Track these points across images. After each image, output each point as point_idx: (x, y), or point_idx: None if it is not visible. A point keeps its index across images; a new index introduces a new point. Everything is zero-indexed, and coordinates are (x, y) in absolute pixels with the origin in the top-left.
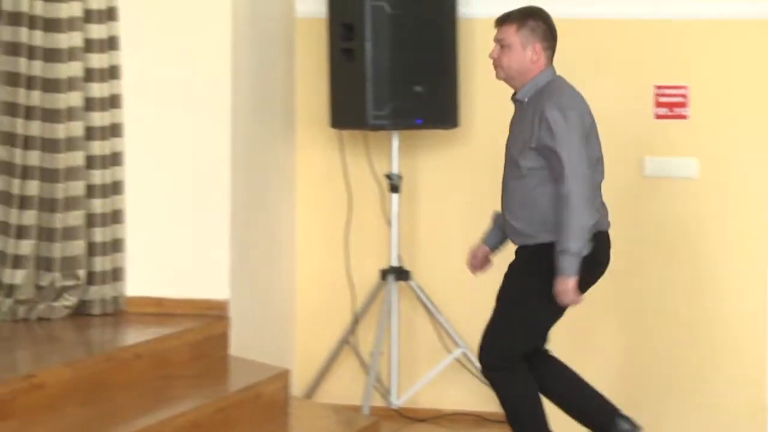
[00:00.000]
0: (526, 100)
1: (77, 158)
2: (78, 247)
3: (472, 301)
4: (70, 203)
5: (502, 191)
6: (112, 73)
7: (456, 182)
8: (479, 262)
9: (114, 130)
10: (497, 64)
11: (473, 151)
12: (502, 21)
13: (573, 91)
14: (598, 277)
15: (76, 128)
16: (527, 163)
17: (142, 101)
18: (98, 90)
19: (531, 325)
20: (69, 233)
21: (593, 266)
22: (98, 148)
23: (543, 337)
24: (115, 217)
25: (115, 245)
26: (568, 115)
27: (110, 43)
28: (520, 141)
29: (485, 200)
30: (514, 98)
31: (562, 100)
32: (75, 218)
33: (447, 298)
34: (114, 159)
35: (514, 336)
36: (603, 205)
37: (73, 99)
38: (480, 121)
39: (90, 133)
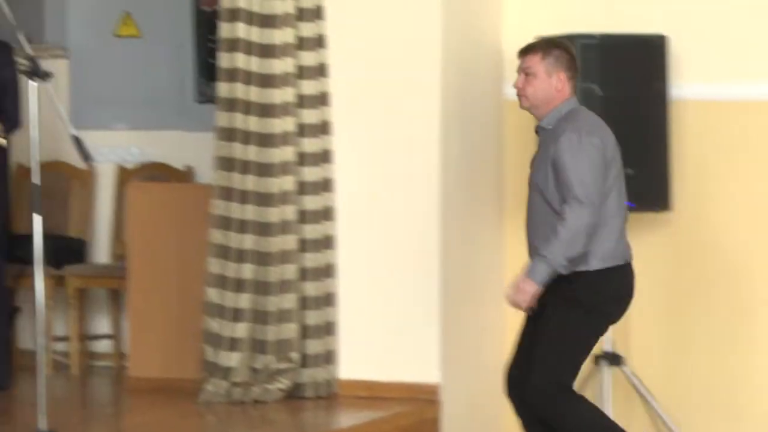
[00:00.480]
0: (551, 127)
1: (290, 242)
2: (291, 330)
3: (688, 387)
4: (284, 286)
5: (528, 220)
6: (324, 157)
7: (667, 265)
8: None
9: (326, 214)
10: (522, 93)
11: (684, 234)
12: (527, 51)
13: (597, 120)
14: (625, 310)
15: (290, 212)
16: (551, 188)
17: (353, 186)
18: (309, 174)
19: (579, 358)
20: (283, 316)
21: (621, 299)
22: (310, 231)
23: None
24: (328, 300)
25: (328, 328)
26: (586, 139)
27: (322, 128)
28: (543, 168)
29: (697, 282)
30: (538, 127)
31: (582, 125)
32: (288, 301)
33: (662, 384)
34: (326, 242)
35: (565, 366)
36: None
37: (287, 183)
38: (693, 204)
39: (303, 217)
